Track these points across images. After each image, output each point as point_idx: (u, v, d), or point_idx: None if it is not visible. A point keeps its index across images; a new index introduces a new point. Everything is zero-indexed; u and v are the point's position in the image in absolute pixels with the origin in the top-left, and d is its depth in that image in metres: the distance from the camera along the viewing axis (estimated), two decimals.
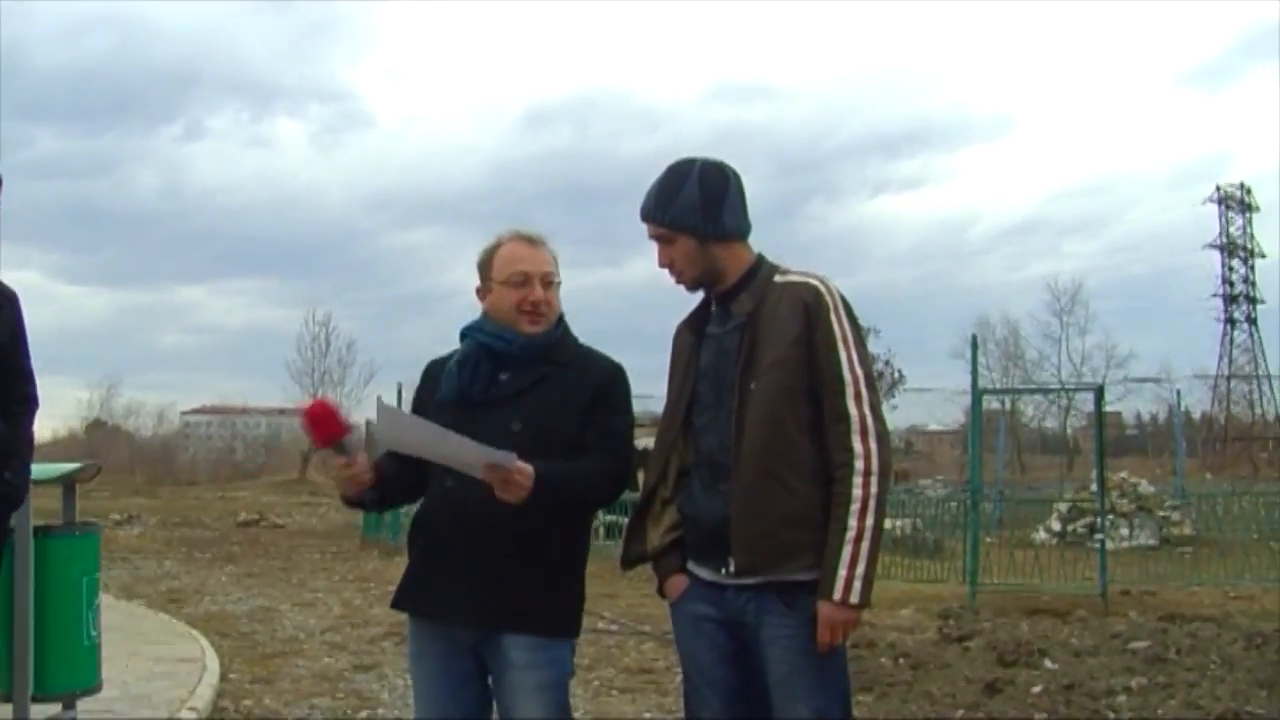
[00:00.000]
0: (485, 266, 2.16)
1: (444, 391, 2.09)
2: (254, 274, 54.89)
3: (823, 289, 1.88)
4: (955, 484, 17.60)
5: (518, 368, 2.09)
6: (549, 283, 2.13)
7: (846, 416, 1.81)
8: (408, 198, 51.53)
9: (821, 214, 50.55)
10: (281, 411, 38.54)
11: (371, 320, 49.08)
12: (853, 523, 1.78)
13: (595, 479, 2.01)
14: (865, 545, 1.78)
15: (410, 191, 51.27)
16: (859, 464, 1.80)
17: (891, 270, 48.34)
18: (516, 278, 2.10)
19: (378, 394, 1.98)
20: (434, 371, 2.18)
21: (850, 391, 1.83)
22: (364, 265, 50.86)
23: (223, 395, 43.88)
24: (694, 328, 2.04)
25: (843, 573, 1.78)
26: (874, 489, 1.79)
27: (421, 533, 2.10)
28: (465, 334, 2.15)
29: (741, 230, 1.98)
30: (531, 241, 2.15)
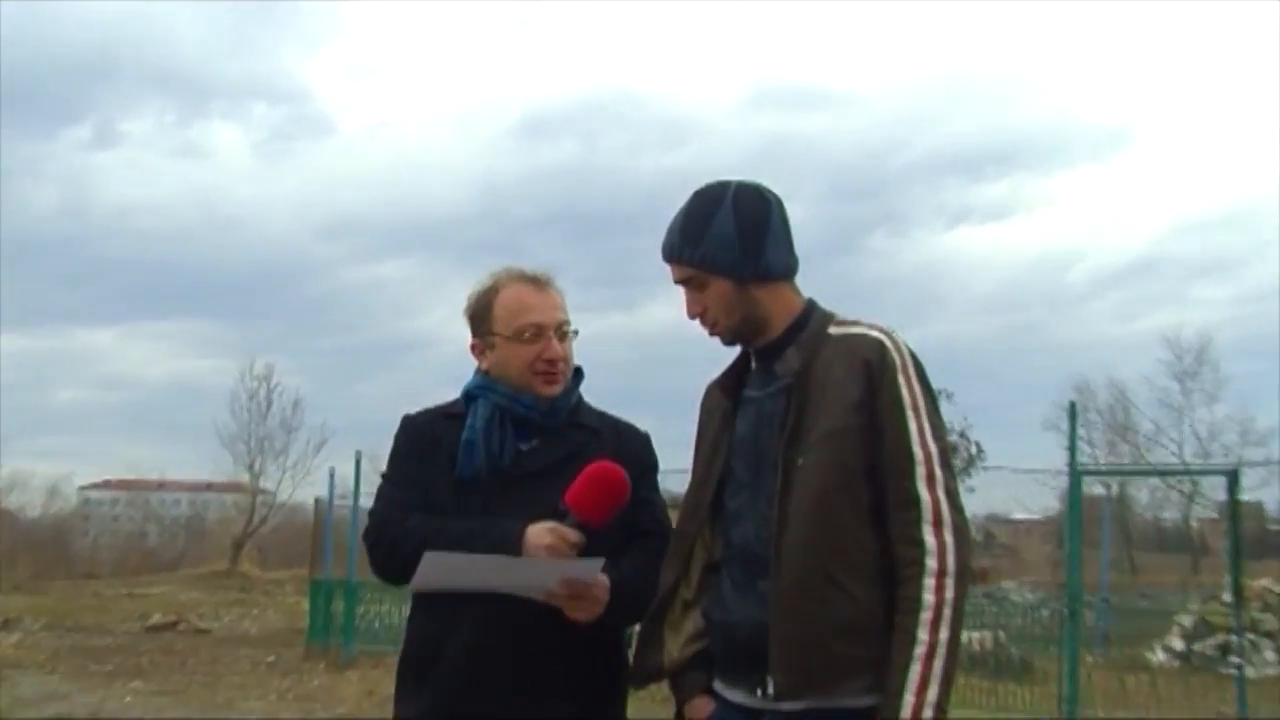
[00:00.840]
0: (482, 317, 2.22)
1: (470, 465, 2.15)
2: (178, 314, 55.31)
3: (888, 344, 1.90)
4: (1048, 587, 17.40)
5: (543, 435, 2.19)
6: (564, 334, 2.21)
7: (916, 502, 1.83)
8: (373, 223, 52.01)
9: (886, 249, 50.66)
10: (208, 486, 38.64)
11: (325, 375, 49.82)
12: (923, 635, 1.77)
13: (659, 577, 2.06)
14: (938, 664, 1.77)
15: (377, 215, 51.62)
16: (931, 562, 1.80)
17: (971, 320, 48.53)
18: (528, 331, 2.17)
19: (426, 554, 2.00)
20: (425, 430, 2.22)
21: (921, 471, 1.84)
22: (317, 306, 51.31)
23: (133, 466, 43.75)
24: (728, 390, 2.07)
25: (910, 698, 1.75)
26: (949, 593, 1.79)
27: (440, 658, 2.11)
28: (473, 395, 2.22)
29: (788, 269, 2.02)
30: (538, 284, 2.21)
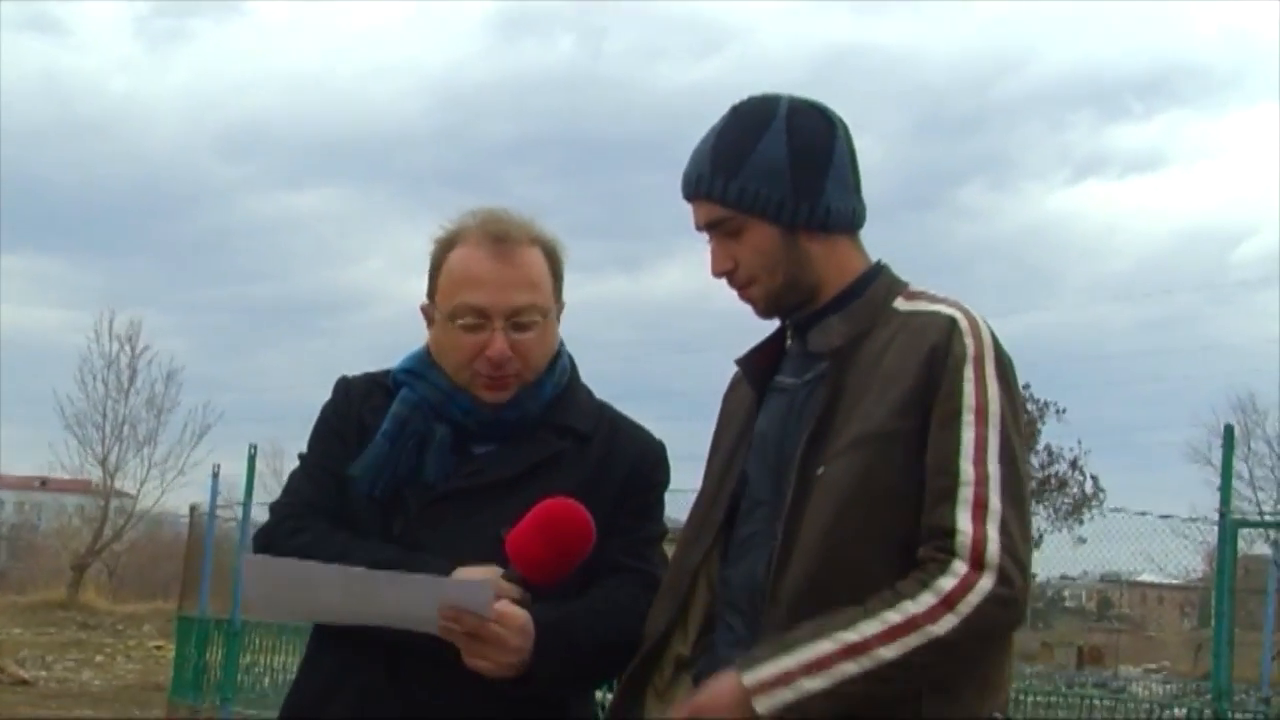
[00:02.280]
0: (432, 274, 2.25)
1: (369, 483, 2.18)
2: (15, 247, 55.38)
3: (962, 324, 1.93)
4: (1186, 679, 17.42)
5: (507, 439, 2.20)
6: (526, 325, 2.18)
7: (951, 536, 1.83)
8: (291, 137, 53.00)
9: (981, 206, 50.87)
10: (42, 484, 38.52)
11: (212, 338, 50.10)
12: (870, 626, 1.79)
13: (628, 627, 2.08)
14: (859, 665, 1.78)
15: (297, 127, 52.55)
16: (964, 542, 1.81)
17: (1094, 309, 48.43)
18: (466, 315, 2.17)
19: (244, 555, 2.03)
20: (359, 405, 2.27)
21: (967, 496, 1.84)
22: (207, 245, 51.53)
23: None
24: (755, 374, 2.11)
25: (785, 661, 1.79)
26: (974, 599, 1.79)
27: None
28: (400, 381, 2.25)
29: (852, 218, 2.05)
30: (501, 246, 2.19)
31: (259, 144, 52.63)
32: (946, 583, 1.79)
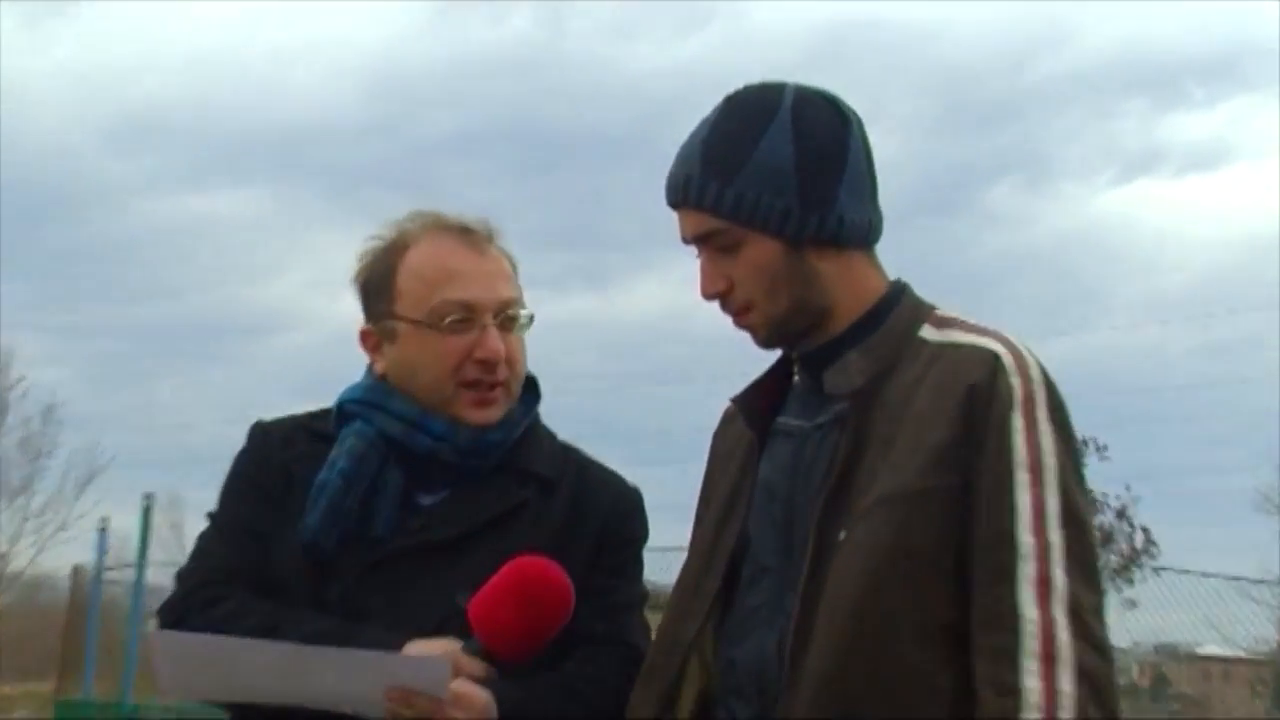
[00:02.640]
0: (380, 288, 2.27)
1: (317, 531, 2.19)
2: None
3: (1007, 360, 1.94)
4: None
5: (459, 485, 2.22)
6: (512, 319, 2.25)
7: (1014, 623, 1.84)
8: (194, 130, 51.63)
9: (1014, 210, 50.56)
10: None
11: (100, 369, 49.52)
12: None
13: (607, 711, 2.10)
14: None
15: (201, 118, 51.19)
16: (1031, 631, 1.83)
17: (1147, 330, 48.51)
18: (451, 314, 2.21)
19: (154, 632, 2.08)
20: (280, 453, 2.29)
21: (1029, 573, 1.86)
22: (94, 257, 50.66)
23: None
24: (755, 414, 2.11)
25: None
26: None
27: None
28: (349, 413, 2.27)
29: (867, 230, 2.06)
30: (472, 239, 2.26)
31: (155, 137, 51.42)
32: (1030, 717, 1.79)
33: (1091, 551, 1.90)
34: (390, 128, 50.33)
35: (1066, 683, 1.80)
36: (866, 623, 1.86)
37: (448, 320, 2.21)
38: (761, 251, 1.99)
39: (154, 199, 51.25)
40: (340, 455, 2.22)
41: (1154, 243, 50.84)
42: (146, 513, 12.88)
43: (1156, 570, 19.36)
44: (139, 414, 45.01)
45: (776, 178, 1.97)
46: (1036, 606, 1.82)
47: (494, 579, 2.03)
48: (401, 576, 2.17)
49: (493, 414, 2.24)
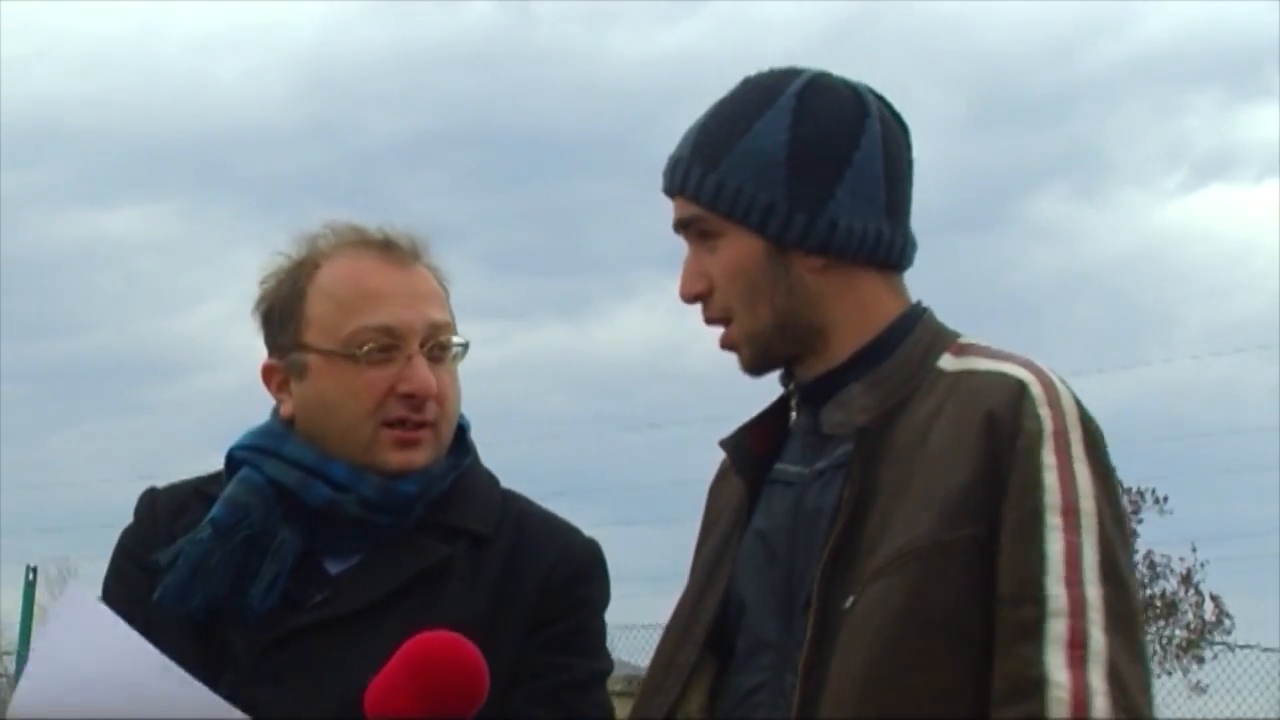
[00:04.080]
0: (285, 315, 2.18)
1: (169, 592, 2.08)
2: None
3: (1036, 389, 1.86)
4: None
5: (371, 545, 2.12)
6: (443, 347, 2.15)
7: (1039, 687, 1.73)
8: (98, 134, 48.57)
9: (1063, 223, 45.55)
10: None
11: None
12: None
13: None
14: None
15: (104, 121, 48.49)
16: (1060, 698, 1.71)
17: (1215, 362, 44.14)
18: (369, 342, 2.11)
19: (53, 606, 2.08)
20: (165, 525, 2.19)
21: (1059, 633, 1.75)
22: None
23: None
24: (747, 460, 2.04)
25: None
26: None
27: None
28: (239, 460, 2.16)
29: (878, 243, 1.94)
30: (392, 253, 2.18)
31: (50, 143, 49.18)
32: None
33: (1136, 614, 1.80)
34: (328, 132, 47.49)
35: None
36: (878, 697, 1.77)
37: (366, 349, 2.10)
38: (740, 248, 1.93)
39: (47, 216, 48.56)
40: (216, 504, 2.11)
41: (1229, 260, 46.59)
42: (30, 588, 12.51)
43: (1229, 647, 17.52)
44: (23, 471, 42.62)
45: (764, 167, 1.91)
46: (1067, 669, 1.72)
47: (391, 660, 1.92)
48: (303, 659, 2.06)
49: (417, 457, 2.12)
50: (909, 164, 1.99)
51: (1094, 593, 1.75)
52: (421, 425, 2.12)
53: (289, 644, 2.07)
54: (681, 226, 1.97)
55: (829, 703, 1.79)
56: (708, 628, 1.97)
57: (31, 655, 2.04)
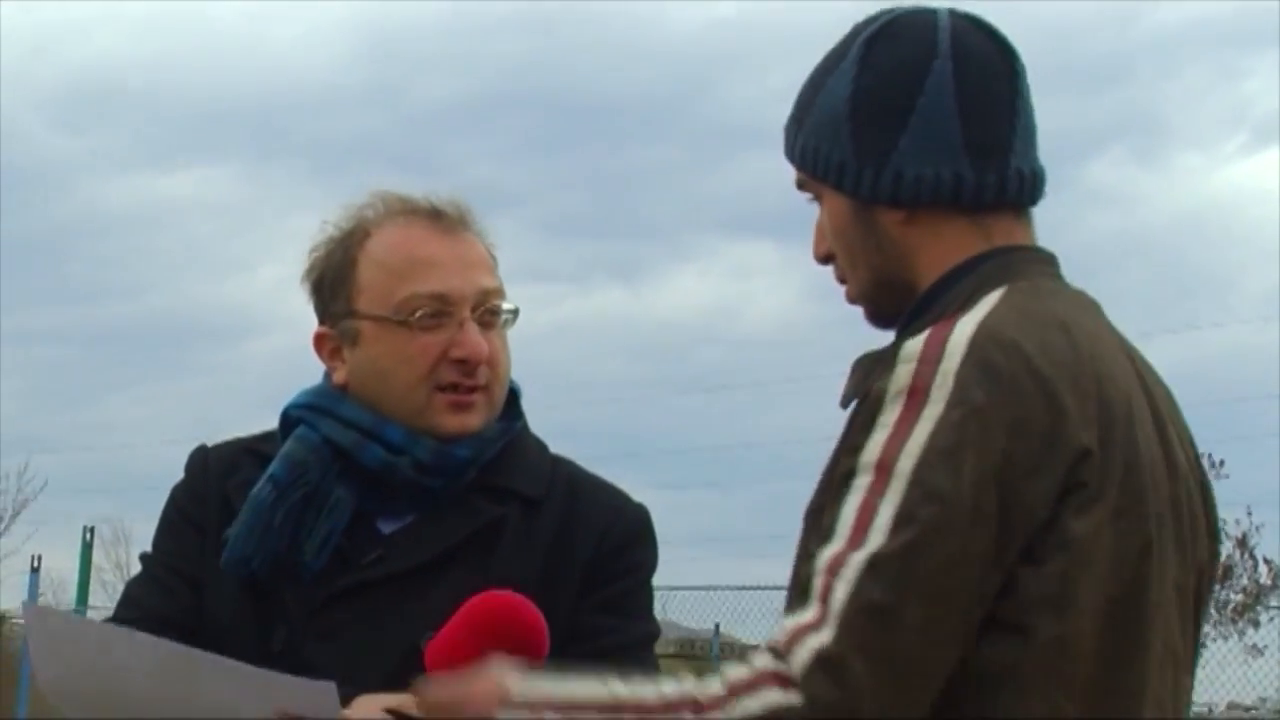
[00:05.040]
0: (337, 283, 2.20)
1: (237, 563, 2.10)
2: None
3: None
4: None
5: (424, 506, 2.13)
6: (494, 313, 2.16)
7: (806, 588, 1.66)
8: (154, 100, 47.08)
9: (1122, 186, 43.12)
10: None
11: (36, 379, 46.70)
12: (646, 692, 1.66)
13: None
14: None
15: (161, 87, 46.52)
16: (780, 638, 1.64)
17: (1276, 328, 44.77)
18: (422, 308, 2.12)
19: (24, 601, 1.93)
20: (218, 482, 2.21)
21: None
22: (34, 248, 45.38)
23: None
24: None
25: (549, 689, 1.71)
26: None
27: None
28: (295, 418, 2.18)
29: (957, 186, 1.83)
30: (442, 221, 2.20)
31: (109, 107, 47.06)
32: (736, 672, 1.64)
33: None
34: (384, 96, 46.54)
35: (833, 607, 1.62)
36: None
37: (419, 315, 2.12)
38: (834, 209, 1.90)
39: (106, 180, 45.76)
40: (274, 460, 2.13)
41: None
42: (86, 549, 12.60)
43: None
44: (80, 433, 43.16)
45: (833, 124, 1.87)
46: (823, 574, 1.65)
47: (451, 620, 1.94)
48: (356, 618, 2.09)
49: (471, 420, 2.14)
50: (1006, 94, 1.90)
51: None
52: (474, 390, 2.14)
53: (342, 601, 2.10)
54: (800, 189, 1.94)
55: None
56: None
57: (36, 679, 2.04)
